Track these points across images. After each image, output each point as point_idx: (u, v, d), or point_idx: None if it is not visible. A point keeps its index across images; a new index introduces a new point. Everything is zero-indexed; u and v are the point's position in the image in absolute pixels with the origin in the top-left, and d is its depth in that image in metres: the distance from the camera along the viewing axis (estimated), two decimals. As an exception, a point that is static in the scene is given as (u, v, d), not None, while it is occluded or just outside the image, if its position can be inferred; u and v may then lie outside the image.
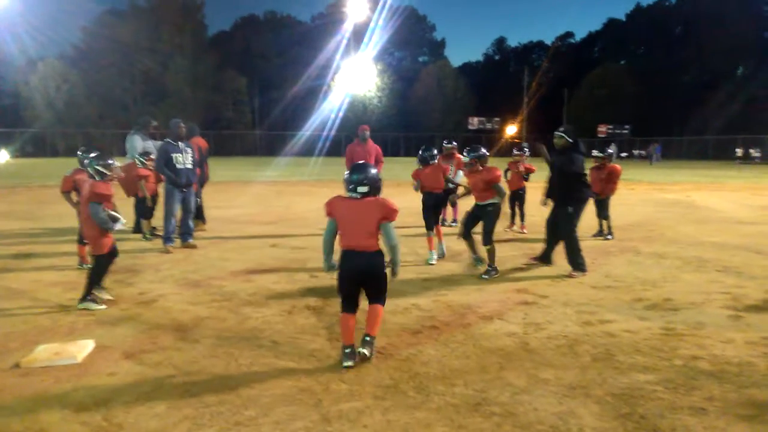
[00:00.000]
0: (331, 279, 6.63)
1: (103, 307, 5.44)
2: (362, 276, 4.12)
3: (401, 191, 19.12)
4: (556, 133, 7.22)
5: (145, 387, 3.66)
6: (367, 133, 10.46)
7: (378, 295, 4.19)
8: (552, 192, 7.42)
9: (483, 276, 6.67)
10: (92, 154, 5.70)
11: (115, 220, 5.49)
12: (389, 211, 4.08)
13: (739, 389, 3.65)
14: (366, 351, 4.07)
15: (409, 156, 60.91)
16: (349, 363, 3.97)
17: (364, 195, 4.09)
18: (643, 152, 54.40)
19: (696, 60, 63.71)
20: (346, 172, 4.17)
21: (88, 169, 5.68)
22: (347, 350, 4.01)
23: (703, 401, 3.48)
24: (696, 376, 3.85)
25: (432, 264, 7.59)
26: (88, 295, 5.45)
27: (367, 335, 4.14)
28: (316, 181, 23.24)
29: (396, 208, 4.14)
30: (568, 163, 6.98)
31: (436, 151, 8.13)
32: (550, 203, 7.45)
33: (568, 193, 7.00)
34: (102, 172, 5.59)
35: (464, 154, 7.06)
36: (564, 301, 5.74)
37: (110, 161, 5.67)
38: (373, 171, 4.16)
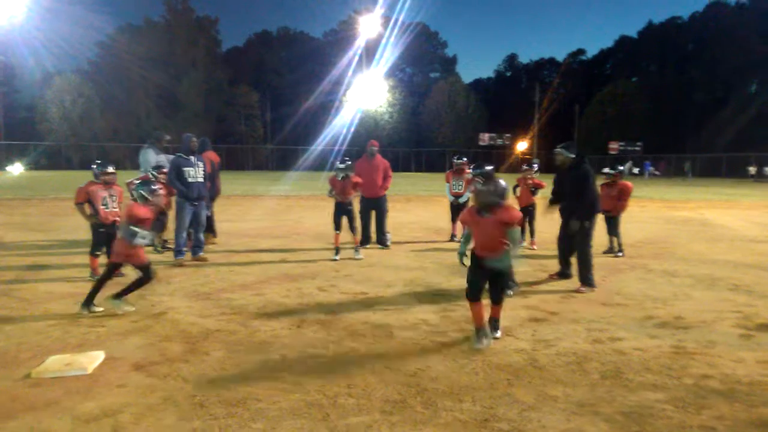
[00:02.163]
0: (340, 294, 6.66)
1: (132, 308, 5.79)
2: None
3: (411, 206, 19.16)
4: (555, 150, 7.32)
5: (154, 399, 3.69)
6: (375, 148, 10.51)
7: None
8: (558, 202, 7.42)
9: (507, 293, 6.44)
10: (138, 180, 6.36)
11: (133, 235, 5.62)
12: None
13: (749, 408, 3.62)
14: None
15: (420, 171, 61.08)
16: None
17: None
18: (657, 172, 54.03)
19: (708, 77, 63.56)
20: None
21: (133, 193, 6.16)
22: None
23: (712, 420, 3.45)
24: (706, 395, 3.82)
25: (335, 260, 8.79)
26: (122, 295, 5.79)
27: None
28: (327, 196, 23.26)
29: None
30: (580, 177, 7.00)
31: (346, 165, 9.36)
32: (552, 210, 7.45)
33: (584, 209, 6.99)
34: (145, 197, 5.99)
35: (469, 169, 7.16)
36: (573, 318, 5.72)
37: (154, 187, 6.10)
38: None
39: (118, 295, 5.74)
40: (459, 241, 10.74)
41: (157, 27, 66.28)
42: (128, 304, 5.81)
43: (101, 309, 5.72)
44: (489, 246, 4.79)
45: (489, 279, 4.88)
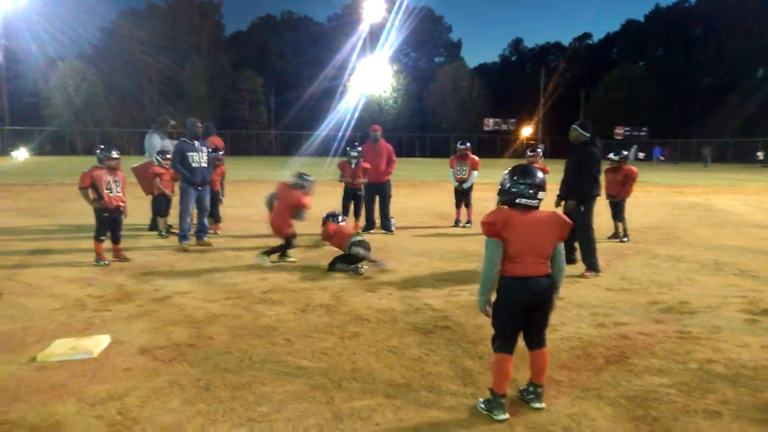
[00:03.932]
0: (344, 278, 6.65)
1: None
2: (536, 305, 3.31)
3: (415, 191, 19.13)
4: (572, 126, 7.24)
5: (159, 382, 3.70)
6: (378, 133, 10.50)
7: (544, 331, 3.44)
8: (563, 191, 7.39)
9: None
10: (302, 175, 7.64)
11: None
12: (567, 228, 3.35)
13: (754, 393, 3.62)
14: (543, 405, 3.40)
15: (425, 157, 60.86)
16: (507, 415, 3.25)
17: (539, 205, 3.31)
18: (662, 157, 53.65)
19: (715, 61, 62.95)
20: (515, 177, 3.31)
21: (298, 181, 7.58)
22: (503, 400, 3.28)
23: (717, 405, 3.45)
24: (711, 380, 3.81)
25: None
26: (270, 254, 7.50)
27: (539, 385, 3.42)
28: (331, 181, 23.25)
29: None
30: (580, 157, 6.97)
31: (358, 153, 9.86)
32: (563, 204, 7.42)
33: (579, 190, 6.96)
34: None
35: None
36: (578, 302, 5.71)
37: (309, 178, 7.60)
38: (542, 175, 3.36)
39: (266, 253, 7.39)
40: (465, 226, 10.81)
41: (160, 11, 65.86)
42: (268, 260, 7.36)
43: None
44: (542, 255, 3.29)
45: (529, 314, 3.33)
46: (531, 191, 3.24)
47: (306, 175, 7.65)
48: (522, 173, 3.29)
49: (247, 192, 18.18)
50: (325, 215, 7.69)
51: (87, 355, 4.10)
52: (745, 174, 33.49)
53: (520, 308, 3.27)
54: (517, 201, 3.27)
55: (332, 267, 7.05)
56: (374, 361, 4.09)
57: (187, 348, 4.32)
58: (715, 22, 63.96)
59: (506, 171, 3.39)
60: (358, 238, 7.36)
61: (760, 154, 48.24)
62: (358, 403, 3.42)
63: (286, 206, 7.51)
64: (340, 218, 7.75)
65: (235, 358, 4.12)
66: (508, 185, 3.31)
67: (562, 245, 3.35)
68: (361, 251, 6.99)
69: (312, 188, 7.68)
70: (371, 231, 10.12)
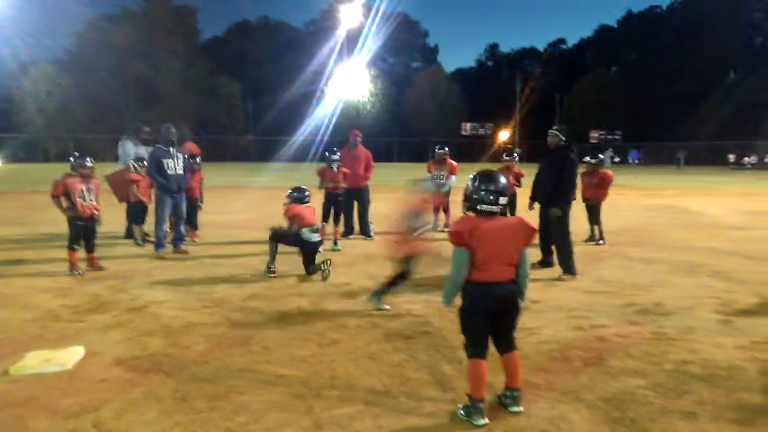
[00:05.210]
0: (324, 285, 6.62)
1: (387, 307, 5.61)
2: (501, 311, 3.36)
3: (395, 197, 19.14)
4: (550, 131, 7.37)
5: (135, 393, 3.64)
6: (358, 138, 10.51)
7: (512, 334, 3.48)
8: (538, 194, 7.49)
9: None
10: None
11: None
12: (532, 234, 3.36)
13: (729, 393, 3.67)
14: (521, 408, 3.42)
15: (402, 161, 60.91)
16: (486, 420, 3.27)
17: (503, 211, 3.33)
18: (637, 160, 54.47)
19: (688, 66, 64.05)
20: (476, 183, 3.33)
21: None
22: (481, 405, 3.30)
23: (693, 405, 3.49)
24: (686, 381, 3.86)
25: (337, 250, 8.92)
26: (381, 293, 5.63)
27: (515, 389, 3.46)
28: (310, 187, 23.16)
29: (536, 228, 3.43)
30: (558, 162, 7.07)
31: (338, 157, 9.66)
32: (537, 206, 7.52)
33: (557, 194, 7.05)
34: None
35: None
36: (556, 305, 5.75)
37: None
38: (504, 180, 3.39)
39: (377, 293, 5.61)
40: (443, 231, 10.81)
41: (135, 16, 65.16)
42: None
43: (389, 307, 5.59)
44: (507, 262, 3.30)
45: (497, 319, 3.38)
46: (491, 197, 3.26)
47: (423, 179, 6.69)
48: (482, 179, 3.31)
49: (225, 198, 18.02)
50: (290, 191, 7.47)
51: (60, 367, 4.02)
52: (718, 176, 34.10)
53: (487, 313, 3.33)
54: (479, 207, 3.29)
55: (309, 271, 7.02)
56: (353, 368, 4.08)
57: (164, 358, 4.26)
58: (687, 28, 65.16)
59: (470, 177, 3.40)
60: (313, 233, 7.21)
61: (732, 157, 49.25)
62: (338, 411, 3.40)
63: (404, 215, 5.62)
64: (306, 196, 7.48)
65: (213, 368, 4.08)
66: (470, 192, 3.33)
67: (527, 251, 3.37)
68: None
69: (428, 191, 6.22)
70: (350, 236, 10.09)
